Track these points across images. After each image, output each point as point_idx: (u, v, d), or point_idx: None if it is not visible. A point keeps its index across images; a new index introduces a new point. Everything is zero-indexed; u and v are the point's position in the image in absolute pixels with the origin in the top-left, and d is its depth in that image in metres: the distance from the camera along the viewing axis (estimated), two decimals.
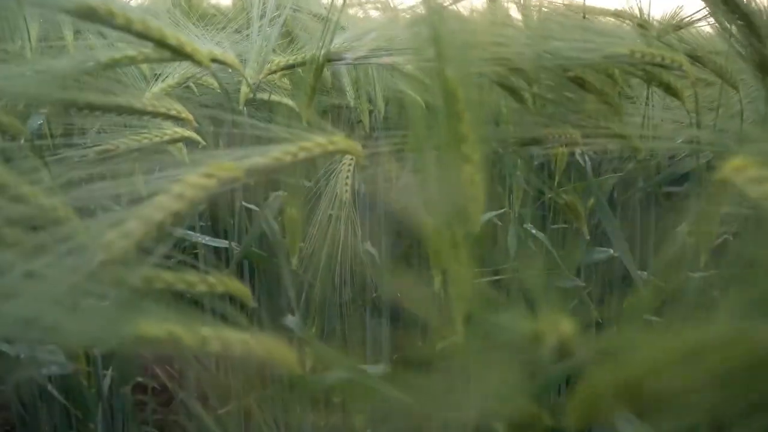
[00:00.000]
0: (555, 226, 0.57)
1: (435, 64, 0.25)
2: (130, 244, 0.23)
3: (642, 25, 0.61)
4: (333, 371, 0.38)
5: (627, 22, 0.67)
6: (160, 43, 0.32)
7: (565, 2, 0.61)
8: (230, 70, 0.66)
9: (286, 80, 0.68)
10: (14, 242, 0.27)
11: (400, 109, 0.80)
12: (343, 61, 0.42)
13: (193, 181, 0.26)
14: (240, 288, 0.29)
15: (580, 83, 0.40)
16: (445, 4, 0.38)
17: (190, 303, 0.30)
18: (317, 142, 0.33)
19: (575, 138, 0.44)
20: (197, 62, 0.34)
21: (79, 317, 0.19)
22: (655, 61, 0.38)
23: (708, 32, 0.60)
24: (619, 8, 0.69)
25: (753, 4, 0.36)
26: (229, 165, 0.28)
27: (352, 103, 0.75)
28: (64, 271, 0.22)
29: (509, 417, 0.25)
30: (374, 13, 1.01)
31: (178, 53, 0.33)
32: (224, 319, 0.24)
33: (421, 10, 0.40)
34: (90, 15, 0.29)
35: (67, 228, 0.25)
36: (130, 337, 0.19)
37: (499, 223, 0.68)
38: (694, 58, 0.48)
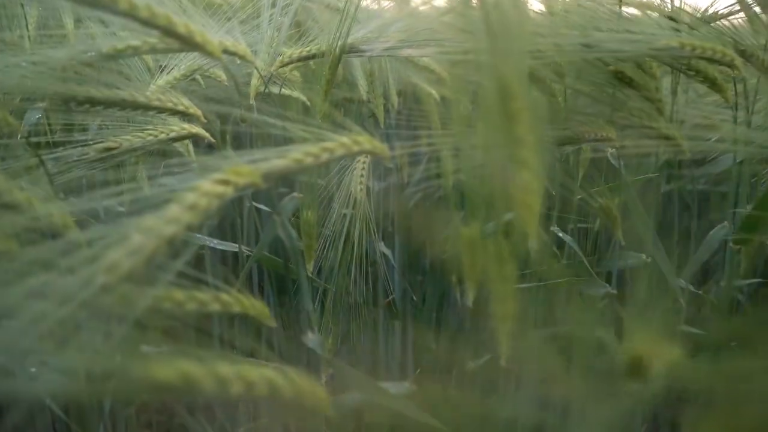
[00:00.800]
0: (581, 225, 0.54)
1: (486, 57, 0.22)
2: (137, 263, 0.20)
3: (672, 17, 0.57)
4: (353, 392, 0.35)
5: (654, 13, 0.64)
6: (168, 32, 0.29)
7: None
8: (238, 62, 0.63)
9: (296, 73, 0.65)
10: (7, 257, 0.24)
11: (416, 103, 0.77)
12: (365, 53, 0.39)
13: (207, 188, 0.23)
14: (258, 306, 0.26)
15: (621, 78, 0.37)
16: None
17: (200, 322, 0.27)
18: (341, 142, 0.30)
19: (611, 137, 0.41)
20: (208, 53, 0.31)
21: (78, 355, 0.16)
22: (706, 55, 0.35)
23: (739, 25, 0.57)
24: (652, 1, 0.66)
25: None
26: (246, 169, 0.25)
27: (364, 97, 0.71)
28: (62, 295, 0.19)
29: None
30: (386, 4, 0.98)
31: (187, 43, 0.30)
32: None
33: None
34: (91, 0, 0.26)
35: (66, 241, 0.22)
36: (140, 381, 0.16)
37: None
38: (736, 52, 0.45)
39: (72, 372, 0.23)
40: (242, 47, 0.38)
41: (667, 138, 0.36)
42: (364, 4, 0.92)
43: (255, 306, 0.26)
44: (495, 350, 0.37)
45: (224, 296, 0.25)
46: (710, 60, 0.35)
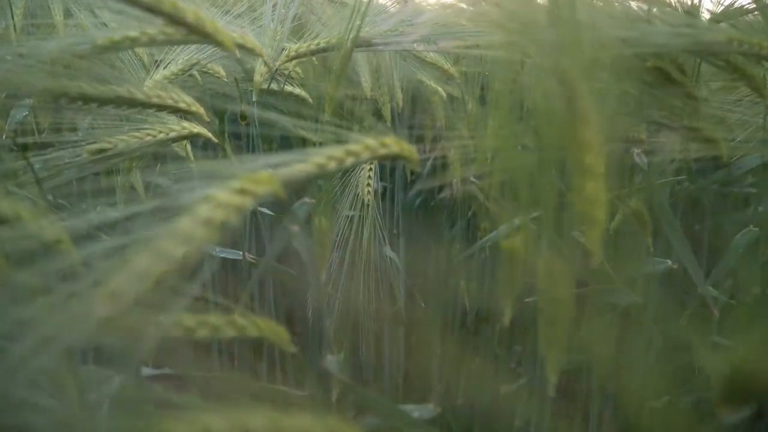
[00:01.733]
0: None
1: (547, 51, 0.19)
2: (142, 290, 0.17)
3: (690, 12, 0.55)
4: (372, 416, 0.32)
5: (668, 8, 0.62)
6: (174, 20, 0.26)
7: None
8: (238, 57, 0.59)
9: (298, 70, 0.62)
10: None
11: (421, 102, 0.74)
12: (389, 45, 0.36)
13: (223, 198, 0.20)
14: (276, 330, 0.23)
15: (659, 74, 0.34)
16: None
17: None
18: (366, 144, 0.27)
19: (642, 138, 0.38)
20: (219, 44, 0.28)
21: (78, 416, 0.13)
22: (753, 51, 0.32)
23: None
24: None
25: None
26: (267, 176, 0.22)
27: (368, 95, 0.68)
28: (55, 329, 0.16)
29: None
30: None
31: (196, 32, 0.27)
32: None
33: None
34: None
35: (60, 260, 0.19)
36: None
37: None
38: None
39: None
40: (250, 39, 0.34)
41: (708, 140, 0.34)
42: None
43: (273, 329, 0.23)
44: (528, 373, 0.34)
45: (239, 320, 0.22)
46: (757, 56, 0.33)
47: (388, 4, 0.84)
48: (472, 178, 0.68)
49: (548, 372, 0.24)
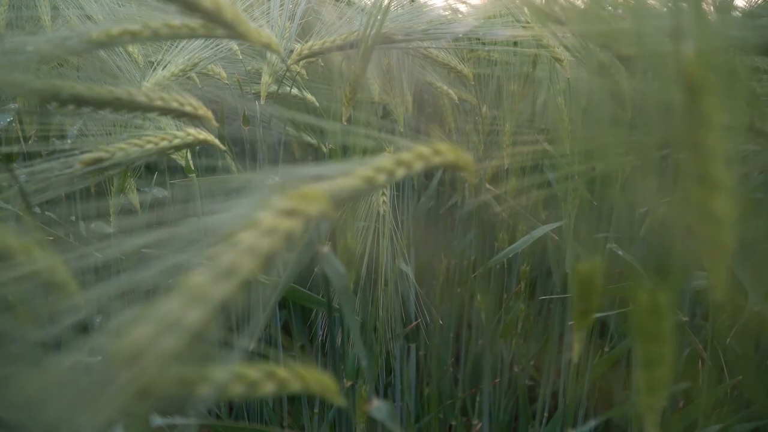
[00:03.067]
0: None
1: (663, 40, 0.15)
2: (176, 345, 0.13)
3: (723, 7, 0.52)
4: None
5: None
6: (188, 6, 0.22)
7: None
8: (241, 58, 0.55)
9: (304, 72, 0.58)
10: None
11: (431, 105, 0.71)
12: (394, 44, 0.32)
13: (269, 224, 0.16)
14: (323, 382, 0.19)
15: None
16: None
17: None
18: (419, 153, 0.23)
19: None
20: (242, 36, 0.24)
21: None
22: None
23: None
24: None
25: None
26: (313, 192, 0.18)
27: (376, 98, 0.64)
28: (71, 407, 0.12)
29: None
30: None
31: (214, 21, 0.23)
32: None
33: None
34: None
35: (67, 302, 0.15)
36: None
37: (556, 238, 0.59)
38: None
39: None
40: (266, 33, 0.30)
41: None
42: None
43: (319, 381, 0.19)
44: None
45: (279, 372, 0.18)
46: None
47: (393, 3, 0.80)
48: (487, 186, 0.64)
49: (645, 417, 0.20)
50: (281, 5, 0.43)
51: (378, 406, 0.23)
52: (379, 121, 0.59)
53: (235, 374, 0.17)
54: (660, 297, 0.19)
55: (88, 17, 0.32)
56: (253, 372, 0.17)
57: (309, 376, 0.19)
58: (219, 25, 0.23)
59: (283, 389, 0.18)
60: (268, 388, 0.18)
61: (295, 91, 0.56)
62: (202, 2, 0.22)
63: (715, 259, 0.17)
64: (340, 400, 0.19)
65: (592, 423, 0.38)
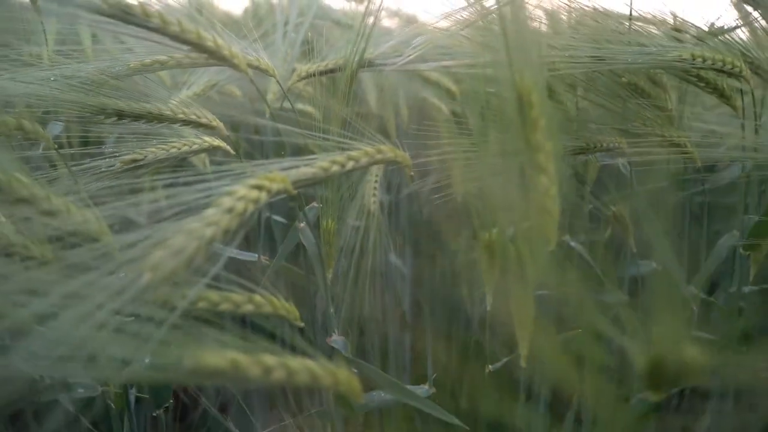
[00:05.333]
0: (594, 239, 0.55)
1: (504, 68, 0.23)
2: (180, 264, 0.21)
3: (677, 29, 0.59)
4: (379, 392, 0.36)
5: (657, 28, 0.66)
6: (197, 46, 0.30)
7: (604, 10, 0.60)
8: (251, 78, 0.64)
9: (309, 89, 0.66)
10: (49, 260, 0.25)
11: (425, 118, 0.78)
12: (385, 66, 0.40)
13: (243, 193, 0.24)
14: (288, 308, 0.27)
15: (634, 89, 0.38)
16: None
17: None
18: (365, 150, 0.31)
19: (622, 146, 0.42)
20: (235, 66, 0.32)
21: (128, 344, 0.17)
22: (716, 66, 0.36)
23: (744, 39, 0.58)
24: (655, 15, 0.68)
25: None
26: (280, 176, 0.26)
27: (374, 111, 0.73)
28: (106, 293, 0.20)
29: None
30: (387, 23, 1.00)
31: (215, 57, 0.31)
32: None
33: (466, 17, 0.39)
34: (125, 16, 0.27)
35: (104, 245, 0.23)
36: (190, 369, 0.17)
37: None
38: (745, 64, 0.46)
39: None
40: (264, 61, 0.39)
41: (677, 146, 0.37)
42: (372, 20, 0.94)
43: (285, 307, 0.27)
44: (510, 353, 0.38)
45: (257, 298, 0.26)
46: (720, 71, 0.37)
47: (393, 26, 0.88)
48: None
49: (520, 345, 0.27)
50: (284, 36, 0.52)
51: (335, 339, 0.31)
52: (367, 129, 0.68)
53: (224, 296, 0.25)
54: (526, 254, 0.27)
55: (128, 50, 0.40)
56: (238, 296, 0.26)
57: (278, 303, 0.27)
58: (219, 58, 0.31)
59: (259, 310, 0.26)
60: (248, 308, 0.26)
61: (301, 105, 0.64)
62: (207, 43, 0.31)
63: (547, 222, 0.25)
64: (300, 323, 0.27)
65: None
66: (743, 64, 0.36)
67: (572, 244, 0.53)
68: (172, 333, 0.18)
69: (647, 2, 0.68)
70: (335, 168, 0.29)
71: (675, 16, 0.63)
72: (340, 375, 0.20)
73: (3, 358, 0.21)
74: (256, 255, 0.47)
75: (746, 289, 0.45)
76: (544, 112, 0.23)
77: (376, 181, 0.57)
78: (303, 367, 0.19)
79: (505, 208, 0.26)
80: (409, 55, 0.36)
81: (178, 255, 0.21)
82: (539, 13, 0.54)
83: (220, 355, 0.17)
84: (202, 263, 0.22)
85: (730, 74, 0.37)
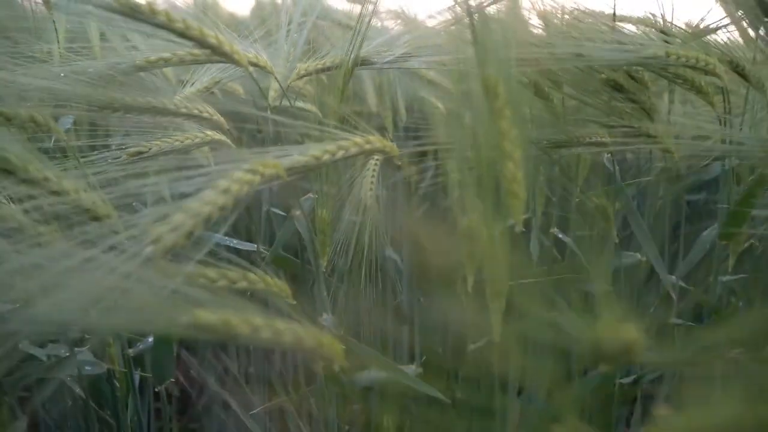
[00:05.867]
0: (581, 233, 0.57)
1: (475, 64, 0.25)
2: (180, 238, 0.23)
3: (664, 31, 0.61)
4: (369, 370, 0.38)
5: (649, 29, 0.68)
6: (199, 43, 0.33)
7: (587, 10, 0.62)
8: (255, 77, 0.66)
9: (310, 87, 0.69)
10: (53, 237, 0.28)
11: (423, 115, 0.80)
12: (374, 65, 0.43)
13: (238, 176, 0.26)
14: (279, 285, 0.29)
15: (613, 86, 0.40)
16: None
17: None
18: (354, 141, 0.33)
19: (605, 140, 0.44)
20: (235, 62, 0.34)
21: (134, 304, 0.19)
22: (690, 63, 0.38)
23: (731, 39, 0.60)
24: (641, 16, 0.70)
25: None
26: (273, 162, 0.28)
27: (374, 110, 0.75)
28: (112, 264, 0.22)
29: None
30: (390, 24, 1.02)
31: (217, 53, 0.33)
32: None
33: (451, 16, 0.41)
34: (133, 13, 0.29)
35: (109, 224, 0.25)
36: (187, 324, 0.19)
37: (523, 229, 0.68)
38: (723, 63, 0.48)
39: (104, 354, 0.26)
40: (263, 59, 0.41)
41: (653, 138, 0.39)
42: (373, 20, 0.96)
43: (277, 285, 0.29)
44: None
45: (251, 275, 0.28)
46: (695, 68, 0.38)
47: (392, 25, 0.90)
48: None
49: (492, 321, 0.29)
50: (287, 35, 0.54)
51: (325, 318, 0.33)
52: (361, 124, 0.70)
53: (221, 273, 0.27)
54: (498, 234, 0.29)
55: (134, 47, 0.43)
56: (234, 273, 0.28)
57: (270, 281, 0.29)
58: (220, 54, 0.34)
59: (253, 287, 0.28)
60: (243, 285, 0.28)
61: (301, 103, 0.67)
62: (209, 39, 0.33)
63: (515, 204, 0.27)
64: (291, 299, 0.29)
65: None
66: (716, 62, 0.38)
67: (560, 235, 0.55)
68: (173, 296, 0.20)
69: (639, 3, 0.70)
70: (326, 156, 0.32)
71: (655, 16, 0.66)
72: (323, 338, 0.22)
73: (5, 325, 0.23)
74: (256, 245, 0.49)
75: (724, 278, 0.47)
76: (510, 103, 0.26)
77: (373, 176, 0.59)
78: (288, 328, 0.21)
79: (477, 193, 0.28)
80: (392, 54, 0.38)
81: (178, 229, 0.23)
82: (524, 12, 0.56)
83: (213, 314, 0.20)
84: (200, 241, 0.24)
85: (705, 71, 0.38)
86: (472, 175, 0.29)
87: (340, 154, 0.32)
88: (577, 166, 0.59)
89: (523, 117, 0.26)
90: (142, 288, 0.21)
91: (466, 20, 0.30)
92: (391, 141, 0.72)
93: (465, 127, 0.28)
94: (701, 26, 0.62)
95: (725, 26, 0.59)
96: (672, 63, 0.36)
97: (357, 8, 0.99)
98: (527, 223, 0.67)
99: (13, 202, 0.28)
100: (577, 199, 0.51)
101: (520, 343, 0.25)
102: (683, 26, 0.55)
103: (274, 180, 0.28)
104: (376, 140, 0.33)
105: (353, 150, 0.33)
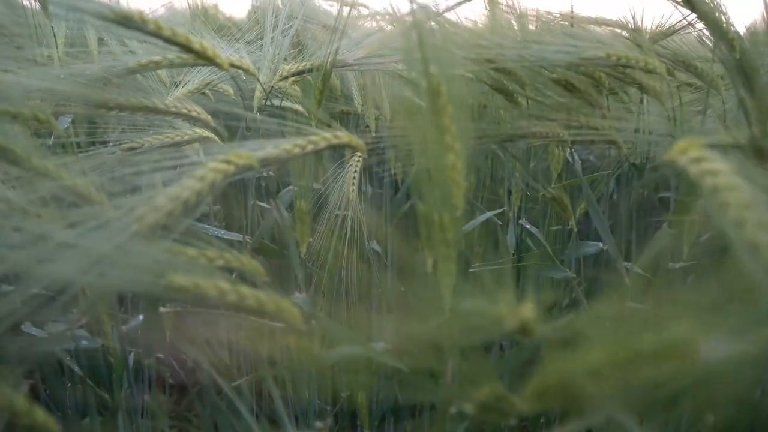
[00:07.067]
0: (555, 227, 0.61)
1: (421, 65, 0.28)
2: (160, 217, 0.27)
3: (635, 32, 0.65)
4: (341, 347, 0.41)
5: (621, 30, 0.71)
6: (185, 48, 0.36)
7: (563, 13, 0.65)
8: (244, 78, 0.70)
9: (296, 87, 0.72)
10: (52, 217, 0.31)
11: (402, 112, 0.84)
12: (344, 67, 0.46)
13: (213, 166, 0.30)
14: (253, 264, 0.33)
15: (564, 84, 0.43)
16: (440, 10, 0.42)
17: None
18: (323, 136, 0.37)
19: (559, 134, 0.47)
20: (218, 65, 0.38)
21: (121, 269, 0.23)
22: (630, 64, 0.41)
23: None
24: (615, 18, 0.74)
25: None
26: (245, 154, 0.32)
27: (360, 110, 0.79)
28: (104, 237, 0.26)
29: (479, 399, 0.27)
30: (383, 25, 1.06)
31: (201, 57, 0.37)
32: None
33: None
34: (126, 22, 0.33)
35: (101, 206, 0.29)
36: (163, 286, 0.23)
37: (499, 223, 0.72)
38: (676, 62, 0.52)
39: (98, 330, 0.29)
40: (246, 62, 0.45)
41: (597, 131, 0.43)
42: (362, 24, 1.00)
43: (251, 264, 0.33)
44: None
45: (227, 255, 0.32)
46: (634, 68, 0.42)
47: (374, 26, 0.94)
48: None
49: (443, 295, 0.33)
50: (272, 40, 0.58)
51: (298, 297, 0.37)
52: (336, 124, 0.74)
53: (200, 252, 0.31)
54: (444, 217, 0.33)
55: (131, 51, 0.46)
56: (211, 253, 0.31)
57: (245, 260, 0.33)
58: (204, 58, 0.37)
59: (228, 265, 0.32)
60: (219, 263, 0.32)
61: (288, 103, 0.70)
62: (194, 45, 0.37)
63: (455, 191, 0.31)
64: (264, 278, 0.33)
65: None
66: (656, 62, 0.42)
67: (527, 226, 0.58)
68: (154, 264, 0.24)
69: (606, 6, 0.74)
70: (297, 150, 0.35)
71: (627, 20, 0.69)
72: (282, 304, 0.26)
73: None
74: (241, 235, 0.53)
75: (676, 265, 0.51)
76: (452, 101, 0.29)
77: (356, 171, 0.63)
78: (251, 294, 0.25)
79: (427, 182, 0.31)
80: (354, 56, 0.42)
81: (159, 210, 0.27)
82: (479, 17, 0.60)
83: (186, 278, 0.23)
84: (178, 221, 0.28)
85: (646, 71, 0.42)
86: (421, 166, 0.33)
87: (310, 147, 0.36)
88: (553, 165, 0.63)
89: (465, 113, 0.30)
90: (129, 257, 0.24)
91: (418, 24, 0.33)
92: (375, 137, 0.76)
93: (415, 122, 0.32)
94: (666, 28, 0.66)
95: (684, 28, 0.63)
96: (612, 63, 0.40)
97: (346, 10, 1.03)
98: (505, 216, 0.71)
99: (18, 188, 0.32)
100: (542, 194, 0.54)
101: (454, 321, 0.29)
102: (633, 28, 0.59)
103: (247, 170, 0.32)
104: (343, 136, 0.37)
105: (322, 144, 0.36)
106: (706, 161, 0.23)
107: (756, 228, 0.21)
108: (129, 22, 0.33)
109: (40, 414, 0.28)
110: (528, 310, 0.24)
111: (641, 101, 0.63)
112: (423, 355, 0.35)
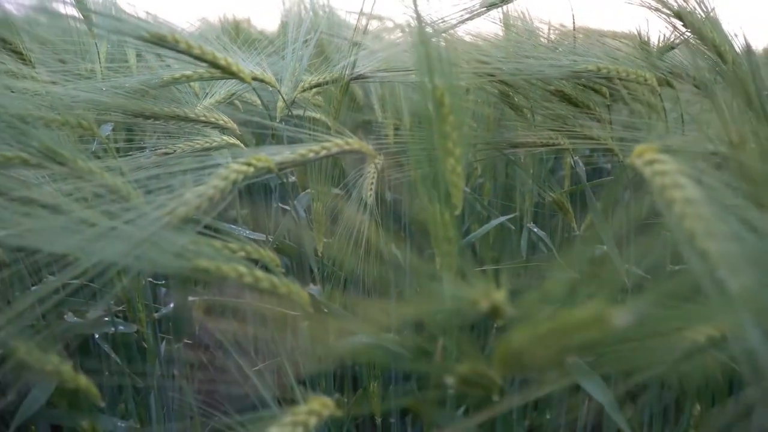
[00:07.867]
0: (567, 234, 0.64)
1: (427, 77, 0.32)
2: (189, 210, 0.31)
3: (642, 45, 0.68)
4: (355, 336, 0.45)
5: (628, 43, 0.74)
6: (212, 64, 0.41)
7: (575, 26, 0.69)
8: (270, 90, 0.75)
9: (319, 97, 0.77)
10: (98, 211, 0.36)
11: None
12: (362, 79, 0.50)
13: (235, 167, 0.34)
14: (270, 256, 0.37)
15: (560, 95, 0.47)
16: (449, 26, 0.45)
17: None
18: (335, 142, 0.41)
19: (559, 142, 0.51)
20: (241, 79, 0.42)
21: (155, 253, 0.27)
22: (621, 77, 0.45)
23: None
24: (624, 31, 0.77)
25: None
26: (264, 157, 0.36)
27: (380, 119, 0.83)
28: (137, 229, 0.30)
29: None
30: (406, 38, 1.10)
31: (226, 72, 0.42)
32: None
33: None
34: (160, 41, 0.38)
35: (138, 202, 0.33)
36: (189, 267, 0.27)
37: (512, 227, 0.75)
38: (674, 74, 0.55)
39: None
40: (268, 75, 0.49)
41: (595, 140, 0.46)
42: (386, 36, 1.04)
43: (269, 255, 0.37)
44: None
45: (248, 247, 0.36)
46: (627, 81, 0.45)
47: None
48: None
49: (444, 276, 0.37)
50: (293, 53, 0.62)
51: (312, 288, 0.41)
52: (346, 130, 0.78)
53: (224, 244, 0.35)
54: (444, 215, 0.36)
55: (167, 66, 0.51)
56: (234, 245, 0.36)
57: (263, 253, 0.37)
58: (229, 73, 0.42)
59: (249, 256, 0.36)
60: (241, 254, 0.36)
61: (310, 112, 0.75)
62: (220, 61, 0.41)
63: (455, 192, 0.34)
64: (280, 270, 0.37)
65: None
66: (647, 75, 0.45)
67: (535, 230, 0.62)
68: (184, 250, 0.28)
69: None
70: (311, 155, 0.39)
71: (637, 33, 0.72)
72: (293, 287, 0.30)
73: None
74: (265, 235, 0.57)
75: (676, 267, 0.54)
76: (455, 110, 0.33)
77: (373, 177, 0.67)
78: (266, 277, 0.29)
79: (430, 186, 0.35)
80: (361, 69, 0.46)
81: (188, 204, 0.31)
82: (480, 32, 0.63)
83: (210, 262, 0.27)
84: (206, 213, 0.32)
85: (638, 83, 0.45)
86: (425, 169, 0.37)
87: (323, 153, 0.40)
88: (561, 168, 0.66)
89: (465, 122, 0.34)
90: (162, 244, 0.28)
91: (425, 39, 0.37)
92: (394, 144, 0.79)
93: (422, 130, 0.36)
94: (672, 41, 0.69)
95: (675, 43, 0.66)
96: (603, 76, 0.43)
97: (373, 23, 1.08)
98: (519, 221, 0.74)
99: (65, 186, 0.36)
100: (546, 198, 0.58)
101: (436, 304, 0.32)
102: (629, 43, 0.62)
103: (266, 172, 0.36)
104: (354, 142, 0.41)
105: (334, 149, 0.40)
106: (658, 163, 0.26)
107: (694, 220, 0.24)
108: (163, 41, 0.38)
109: (83, 381, 0.32)
110: (498, 295, 0.27)
111: (631, 112, 0.66)
112: (417, 336, 0.39)
